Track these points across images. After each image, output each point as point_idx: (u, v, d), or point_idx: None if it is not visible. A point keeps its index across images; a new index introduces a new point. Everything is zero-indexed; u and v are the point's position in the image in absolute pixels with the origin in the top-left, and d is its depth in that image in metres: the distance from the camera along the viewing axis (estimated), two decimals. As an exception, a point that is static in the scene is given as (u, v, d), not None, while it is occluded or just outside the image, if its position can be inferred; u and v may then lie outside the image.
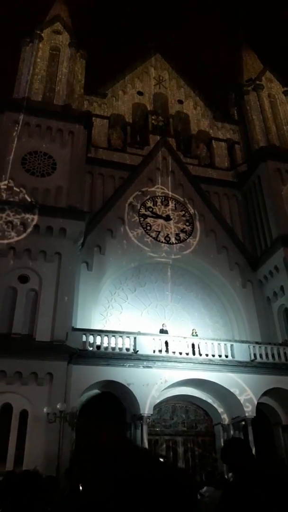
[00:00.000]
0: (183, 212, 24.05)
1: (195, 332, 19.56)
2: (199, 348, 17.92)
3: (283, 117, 27.93)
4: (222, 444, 17.76)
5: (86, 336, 17.01)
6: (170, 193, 24.48)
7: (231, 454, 3.37)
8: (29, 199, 19.00)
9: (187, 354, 17.60)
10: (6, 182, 19.13)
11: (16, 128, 21.11)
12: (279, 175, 24.14)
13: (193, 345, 17.95)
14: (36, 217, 18.51)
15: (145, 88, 28.97)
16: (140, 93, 28.65)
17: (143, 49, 31.06)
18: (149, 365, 16.91)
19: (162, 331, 18.97)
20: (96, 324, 19.53)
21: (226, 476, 15.25)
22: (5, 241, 17.82)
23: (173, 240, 22.94)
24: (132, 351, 17.06)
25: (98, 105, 26.87)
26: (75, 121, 22.15)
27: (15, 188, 19.14)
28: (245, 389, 17.45)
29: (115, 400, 17.49)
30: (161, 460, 3.68)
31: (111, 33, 57.81)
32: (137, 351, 17.03)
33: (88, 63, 26.22)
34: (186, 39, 54.29)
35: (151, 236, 22.71)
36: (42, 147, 20.91)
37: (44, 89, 23.60)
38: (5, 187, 19.01)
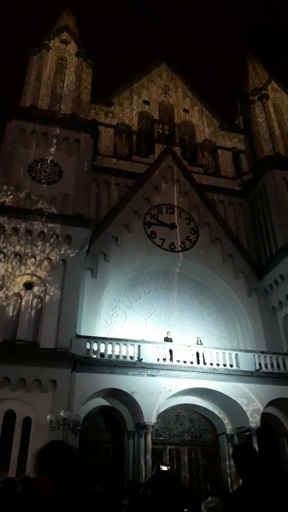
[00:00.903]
0: (188, 221, 24.08)
1: (200, 341, 19.47)
2: (203, 357, 17.82)
3: (288, 126, 28.01)
4: (227, 454, 17.61)
5: (90, 343, 16.97)
6: (175, 201, 24.54)
7: (241, 459, 3.35)
8: (35, 206, 19.11)
9: (192, 363, 17.51)
10: (12, 189, 19.27)
11: (23, 136, 21.33)
12: (284, 184, 24.15)
13: (197, 354, 17.86)
14: (42, 224, 18.61)
15: (151, 97, 29.20)
16: (146, 102, 28.88)
17: (149, 59, 31.43)
18: (153, 374, 16.82)
19: (167, 339, 18.88)
20: (101, 331, 19.50)
21: (230, 486, 15.11)
22: (11, 248, 17.90)
23: (178, 248, 22.93)
24: (136, 359, 17.00)
25: (104, 114, 27.10)
26: (81, 129, 22.34)
27: (21, 195, 19.28)
28: (250, 399, 17.30)
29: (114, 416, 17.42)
30: (165, 468, 3.65)
31: (118, 43, 58.46)
32: (141, 359, 16.96)
33: (95, 72, 26.51)
34: (192, 49, 54.79)
35: (156, 244, 22.72)
36: (49, 155, 21.07)
37: (51, 98, 23.85)
38: (12, 194, 19.14)
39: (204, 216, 24.43)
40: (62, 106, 23.66)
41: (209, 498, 7.14)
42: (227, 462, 17.47)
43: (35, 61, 25.30)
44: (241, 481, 3.33)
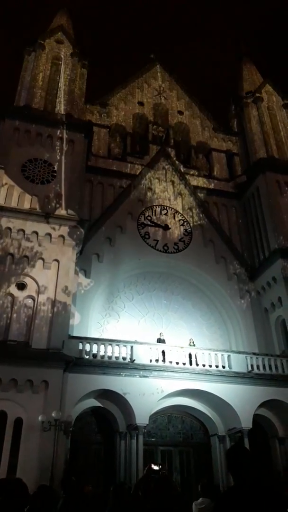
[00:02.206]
0: (182, 222, 24.14)
1: (193, 342, 19.50)
2: (196, 358, 17.84)
3: (282, 129, 28.20)
4: (218, 455, 17.63)
5: (82, 344, 16.92)
6: (169, 202, 24.60)
7: (234, 460, 3.36)
8: (28, 206, 19.04)
9: (184, 364, 17.52)
10: (6, 188, 19.18)
11: (17, 136, 21.25)
12: (277, 187, 24.29)
13: (190, 355, 17.87)
14: (35, 225, 18.54)
15: (146, 98, 29.23)
16: (140, 103, 28.90)
17: (144, 60, 31.46)
18: (146, 375, 16.80)
19: (160, 340, 18.88)
20: (93, 332, 19.46)
21: (221, 487, 15.13)
22: (4, 247, 17.82)
23: (171, 249, 22.97)
24: (129, 360, 16.97)
25: (99, 114, 27.07)
26: (75, 130, 22.31)
27: (14, 195, 19.20)
28: (242, 400, 17.34)
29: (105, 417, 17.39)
30: (156, 467, 3.65)
31: (113, 44, 58.54)
32: (134, 360, 16.94)
33: (90, 73, 26.48)
34: (187, 51, 54.98)
35: (150, 245, 22.75)
36: (43, 155, 21.02)
37: (45, 98, 23.79)
38: (5, 193, 19.05)
39: (197, 217, 24.50)
40: (56, 106, 23.60)
41: (200, 499, 7.14)
42: (219, 463, 17.49)
43: (30, 61, 25.23)
44: (232, 482, 3.34)
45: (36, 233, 18.42)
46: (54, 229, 18.65)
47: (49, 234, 18.55)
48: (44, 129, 21.79)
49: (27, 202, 19.18)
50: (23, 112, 22.20)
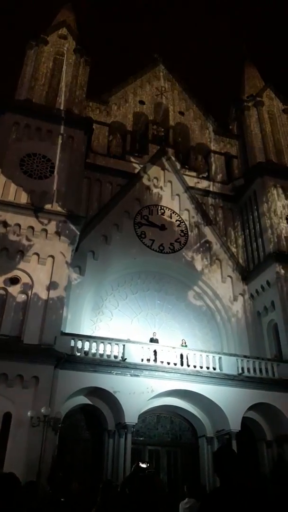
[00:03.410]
0: (179, 223, 24.17)
1: (185, 343, 19.54)
2: (187, 359, 17.87)
3: (281, 134, 28.30)
4: (206, 456, 17.69)
5: (74, 341, 16.88)
6: (166, 203, 24.61)
7: (221, 462, 3.38)
8: (25, 201, 18.98)
9: (175, 364, 17.55)
10: (3, 182, 19.11)
11: (17, 130, 21.17)
12: (275, 191, 24.36)
13: (181, 356, 17.90)
14: (31, 219, 18.49)
15: (147, 97, 29.22)
16: (141, 102, 28.89)
17: (147, 59, 31.43)
18: (137, 374, 16.81)
19: (153, 340, 18.89)
20: (86, 329, 19.43)
21: (207, 488, 15.18)
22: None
23: (167, 249, 22.99)
24: (120, 358, 16.97)
25: (100, 111, 27.03)
26: (75, 126, 22.25)
27: (11, 189, 19.13)
28: (231, 403, 17.39)
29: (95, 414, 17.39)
30: (144, 465, 3.67)
31: (116, 42, 58.44)
32: (125, 359, 16.94)
33: (92, 70, 26.45)
34: (189, 52, 54.96)
35: (146, 245, 22.76)
36: (42, 150, 20.94)
37: (46, 93, 23.72)
38: (2, 187, 18.98)
39: (194, 219, 24.55)
40: (57, 101, 23.53)
41: (186, 499, 7.17)
42: (206, 465, 17.55)
43: (32, 55, 25.12)
44: (219, 483, 3.36)
45: (32, 228, 18.37)
46: (50, 225, 18.60)
47: (45, 230, 18.51)
48: (44, 124, 21.72)
49: (24, 197, 19.11)
50: (24, 106, 22.10)
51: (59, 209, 19.32)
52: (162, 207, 24.38)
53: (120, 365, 16.77)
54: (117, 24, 59.17)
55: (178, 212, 24.49)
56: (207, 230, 24.43)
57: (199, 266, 23.15)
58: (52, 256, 18.17)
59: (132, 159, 25.78)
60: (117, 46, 58.31)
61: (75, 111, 23.42)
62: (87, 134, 22.89)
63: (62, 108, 23.13)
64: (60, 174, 20.48)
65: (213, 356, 18.41)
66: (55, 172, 20.48)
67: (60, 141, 21.62)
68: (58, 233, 18.60)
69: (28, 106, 22.17)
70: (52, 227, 18.62)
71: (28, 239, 18.14)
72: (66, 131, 21.89)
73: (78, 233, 19.45)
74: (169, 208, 24.47)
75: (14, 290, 17.25)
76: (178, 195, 25.08)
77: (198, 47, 58.33)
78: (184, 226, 24.14)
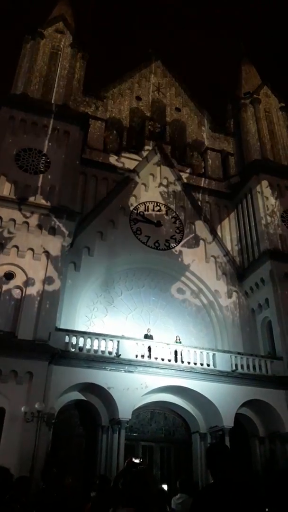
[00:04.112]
0: (174, 219, 24.17)
1: (179, 339, 19.59)
2: (181, 355, 17.94)
3: (278, 132, 28.32)
4: (199, 452, 17.80)
5: (69, 337, 16.90)
6: (162, 199, 24.60)
7: (214, 457, 3.41)
8: (20, 196, 18.89)
9: (169, 360, 17.61)
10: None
11: (12, 124, 21.05)
12: (270, 189, 24.41)
13: (175, 352, 17.96)
14: (26, 214, 18.42)
15: (144, 93, 29.11)
16: (138, 98, 28.77)
17: (144, 55, 31.25)
18: (131, 370, 16.86)
19: (147, 336, 18.94)
20: (80, 325, 19.43)
21: (200, 484, 15.28)
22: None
23: (162, 246, 23.00)
24: (115, 354, 17.00)
25: (96, 107, 26.89)
26: (71, 121, 22.15)
27: (6, 184, 19.04)
28: (225, 399, 17.50)
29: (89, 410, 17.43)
30: (137, 461, 3.69)
31: (113, 37, 58.14)
32: (120, 355, 16.98)
33: (88, 65, 26.31)
34: (187, 49, 54.81)
35: (141, 241, 22.75)
36: (37, 145, 20.85)
37: (42, 87, 23.57)
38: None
39: (190, 216, 24.57)
40: (53, 96, 23.39)
41: (178, 495, 7.21)
42: (199, 461, 17.66)
43: (29, 49, 24.93)
44: (211, 479, 3.39)
45: (27, 223, 18.30)
46: (45, 220, 18.53)
47: (40, 225, 18.45)
48: (40, 119, 21.61)
49: (19, 192, 19.01)
50: (19, 101, 21.96)
51: (54, 204, 19.24)
52: (158, 204, 24.36)
53: (115, 361, 16.80)
54: (114, 19, 58.84)
55: (173, 209, 24.49)
56: (202, 227, 24.45)
57: (194, 263, 23.18)
58: (47, 252, 18.12)
59: (128, 155, 25.70)
60: (114, 41, 58.00)
61: (71, 106, 23.31)
62: (83, 129, 22.80)
63: (58, 103, 23.01)
64: (56, 170, 20.39)
65: (207, 353, 18.49)
66: (51, 167, 20.39)
67: (56, 136, 21.53)
68: (53, 229, 18.52)
69: (24, 101, 22.02)
70: (47, 222, 18.55)
71: (23, 235, 18.08)
72: (62, 126, 21.79)
73: (74, 229, 19.40)
74: (165, 205, 24.47)
75: (8, 285, 17.21)
76: (174, 191, 25.07)
77: (195, 44, 58.16)
78: (179, 223, 24.15)
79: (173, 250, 23.16)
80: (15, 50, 25.50)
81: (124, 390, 16.37)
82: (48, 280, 17.58)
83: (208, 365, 18.05)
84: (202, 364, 17.98)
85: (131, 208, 23.58)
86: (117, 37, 59.28)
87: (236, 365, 18.38)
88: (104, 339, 17.37)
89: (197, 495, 3.54)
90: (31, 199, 19.01)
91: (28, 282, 17.35)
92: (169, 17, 59.51)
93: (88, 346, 16.90)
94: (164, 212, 24.21)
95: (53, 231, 18.55)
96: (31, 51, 24.68)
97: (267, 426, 18.69)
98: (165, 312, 21.98)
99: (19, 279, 17.42)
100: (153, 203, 24.29)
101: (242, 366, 18.53)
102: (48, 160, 20.61)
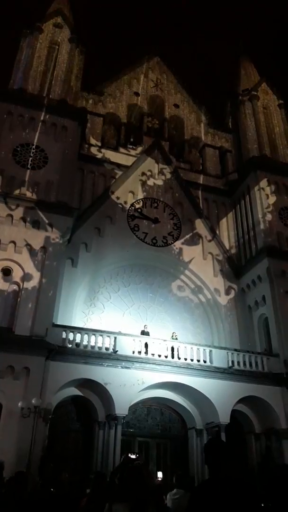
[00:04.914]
0: (172, 216, 24.15)
1: (175, 336, 19.63)
2: (178, 351, 17.98)
3: (276, 129, 28.29)
4: (195, 448, 17.87)
5: (66, 333, 16.90)
6: (160, 196, 24.56)
7: (212, 453, 3.42)
8: (17, 191, 18.84)
9: (166, 357, 17.65)
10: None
11: (10, 119, 20.95)
12: (268, 186, 24.41)
13: (172, 349, 18.00)
14: (23, 210, 18.37)
15: (142, 89, 28.99)
16: (136, 94, 28.67)
17: (142, 51, 31.14)
18: (128, 366, 16.89)
19: (144, 333, 18.96)
20: (77, 321, 19.43)
21: (196, 480, 15.36)
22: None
23: (160, 243, 22.99)
24: (112, 350, 17.03)
25: (94, 102, 26.79)
26: (69, 116, 22.07)
27: (4, 179, 18.96)
28: (221, 395, 17.56)
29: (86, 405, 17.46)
30: (133, 456, 3.70)
31: (112, 33, 57.85)
32: (117, 351, 17.00)
33: (87, 60, 26.19)
34: (186, 45, 54.64)
35: (139, 238, 22.73)
36: (35, 140, 20.76)
37: (40, 82, 23.46)
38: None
39: (187, 212, 24.55)
40: (51, 91, 23.28)
41: (175, 490, 7.23)
42: (195, 456, 17.74)
43: (27, 43, 24.79)
44: (207, 475, 3.40)
45: (25, 219, 18.25)
46: (42, 216, 18.49)
47: (37, 221, 18.41)
48: (38, 114, 21.51)
49: (17, 187, 18.95)
50: (17, 96, 21.85)
51: (52, 200, 19.20)
52: (156, 200, 24.33)
53: (111, 357, 16.83)
54: (113, 15, 58.49)
55: (171, 205, 24.46)
56: (200, 224, 24.46)
57: (191, 260, 23.19)
58: (44, 248, 18.09)
59: (126, 151, 25.63)
60: (113, 37, 57.74)
61: (69, 101, 23.20)
62: (81, 125, 22.73)
63: (56, 98, 22.91)
64: (54, 165, 20.33)
65: (204, 349, 18.53)
66: (49, 163, 20.31)
67: (54, 131, 21.45)
68: (50, 225, 18.47)
69: (22, 96, 21.93)
70: (44, 218, 18.48)
71: (20, 230, 18.04)
72: (60, 122, 21.71)
73: (71, 225, 19.37)
74: (163, 201, 24.43)
75: (6, 281, 17.19)
76: (171, 188, 25.03)
77: (194, 40, 57.95)
78: (177, 219, 24.13)
79: (171, 246, 23.15)
80: (13, 44, 25.34)
81: (121, 386, 16.40)
82: (45, 276, 17.55)
83: (205, 362, 18.10)
84: (198, 361, 18.03)
85: (129, 204, 23.53)
86: (116, 33, 59.04)
87: (232, 362, 18.44)
88: (101, 335, 17.38)
89: (195, 491, 3.56)
90: (28, 194, 18.95)
91: (25, 278, 17.32)
92: (168, 13, 59.25)
93: (85, 342, 16.91)
94: (161, 208, 24.18)
95: (50, 226, 18.51)
96: (29, 45, 24.54)
97: (263, 423, 18.78)
98: (162, 308, 22.01)
99: (16, 275, 17.39)
100: (150, 199, 24.26)
101: (238, 363, 18.59)
102: (46, 155, 20.53)
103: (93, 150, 24.79)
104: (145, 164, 25.10)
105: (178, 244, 23.37)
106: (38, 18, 25.60)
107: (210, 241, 24.13)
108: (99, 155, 24.71)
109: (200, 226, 24.39)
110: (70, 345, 16.65)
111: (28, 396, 14.63)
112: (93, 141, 25.15)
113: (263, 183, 24.40)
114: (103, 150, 25.05)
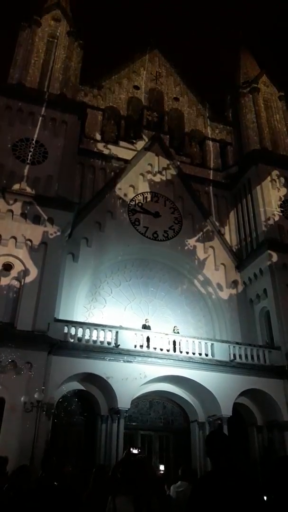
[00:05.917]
0: (173, 210, 24.08)
1: (177, 330, 19.65)
2: (179, 345, 18.00)
3: (276, 121, 28.13)
4: (197, 441, 17.95)
5: (68, 327, 16.92)
6: (160, 190, 24.48)
7: (213, 445, 3.41)
8: (17, 186, 18.79)
9: (168, 350, 17.67)
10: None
11: (9, 114, 20.85)
12: (269, 179, 24.31)
13: (174, 342, 18.03)
14: (22, 205, 18.32)
15: (142, 82, 28.81)
16: (136, 87, 28.50)
17: (141, 44, 30.88)
18: (130, 360, 16.92)
19: (145, 327, 18.98)
20: (79, 316, 19.46)
21: (198, 472, 15.43)
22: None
23: (161, 237, 22.95)
24: (114, 345, 17.06)
25: (93, 96, 26.64)
26: (69, 110, 21.96)
27: (4, 174, 18.91)
28: (223, 389, 17.60)
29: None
30: (135, 451, 3.71)
31: (111, 26, 57.41)
32: (119, 345, 17.03)
33: (86, 54, 26.00)
34: (185, 37, 54.20)
35: (139, 232, 22.69)
36: (34, 135, 20.67)
37: (39, 76, 23.32)
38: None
39: (188, 206, 24.48)
40: (50, 85, 23.15)
41: (179, 483, 7.28)
42: (198, 449, 17.82)
43: (25, 37, 24.60)
44: (209, 468, 3.40)
45: (25, 214, 18.22)
46: (43, 211, 18.45)
47: (38, 216, 18.37)
48: (37, 108, 21.41)
49: (16, 183, 18.90)
50: (16, 90, 21.74)
51: (52, 195, 19.15)
52: (156, 194, 24.26)
53: (113, 351, 16.86)
54: (112, 8, 57.99)
55: (172, 199, 24.39)
56: (201, 218, 24.40)
57: (192, 254, 23.17)
58: (45, 243, 18.08)
59: (126, 145, 25.52)
60: (112, 30, 57.28)
61: (68, 95, 23.09)
62: (81, 119, 22.61)
63: (55, 92, 22.78)
64: (53, 160, 20.26)
65: (205, 343, 18.56)
66: (49, 157, 20.24)
67: (53, 126, 21.35)
68: (51, 220, 18.41)
69: (21, 90, 21.81)
70: (45, 213, 18.44)
71: (20, 225, 18.01)
72: (59, 116, 21.61)
73: (72, 219, 19.34)
74: (163, 195, 24.36)
75: (7, 276, 17.19)
76: (172, 182, 24.95)
77: (194, 33, 57.45)
78: (178, 213, 24.07)
79: (172, 241, 23.11)
80: (11, 38, 25.17)
81: (123, 380, 16.44)
82: (46, 271, 17.55)
83: (207, 355, 18.12)
84: (200, 354, 18.06)
85: (129, 198, 23.47)
86: (115, 26, 58.56)
87: (234, 355, 18.46)
88: (103, 330, 17.41)
89: (196, 483, 3.56)
90: (28, 189, 18.90)
91: (27, 274, 17.32)
92: (168, 5, 58.68)
93: (87, 337, 16.94)
94: (162, 202, 24.11)
95: (51, 221, 18.48)
96: (27, 39, 24.36)
97: (265, 415, 18.84)
98: (164, 302, 22.02)
99: (17, 270, 17.39)
100: (151, 193, 24.18)
101: (240, 356, 18.61)
102: (46, 150, 20.46)
103: (93, 144, 24.69)
104: (145, 158, 25.00)
105: (179, 238, 23.32)
106: (36, 11, 25.38)
107: (210, 234, 24.08)
108: (99, 149, 24.61)
109: (201, 220, 24.33)
110: (72, 340, 16.68)
111: (31, 390, 14.67)
112: (92, 135, 25.05)
113: (264, 176, 24.30)
114: (103, 144, 24.95)
